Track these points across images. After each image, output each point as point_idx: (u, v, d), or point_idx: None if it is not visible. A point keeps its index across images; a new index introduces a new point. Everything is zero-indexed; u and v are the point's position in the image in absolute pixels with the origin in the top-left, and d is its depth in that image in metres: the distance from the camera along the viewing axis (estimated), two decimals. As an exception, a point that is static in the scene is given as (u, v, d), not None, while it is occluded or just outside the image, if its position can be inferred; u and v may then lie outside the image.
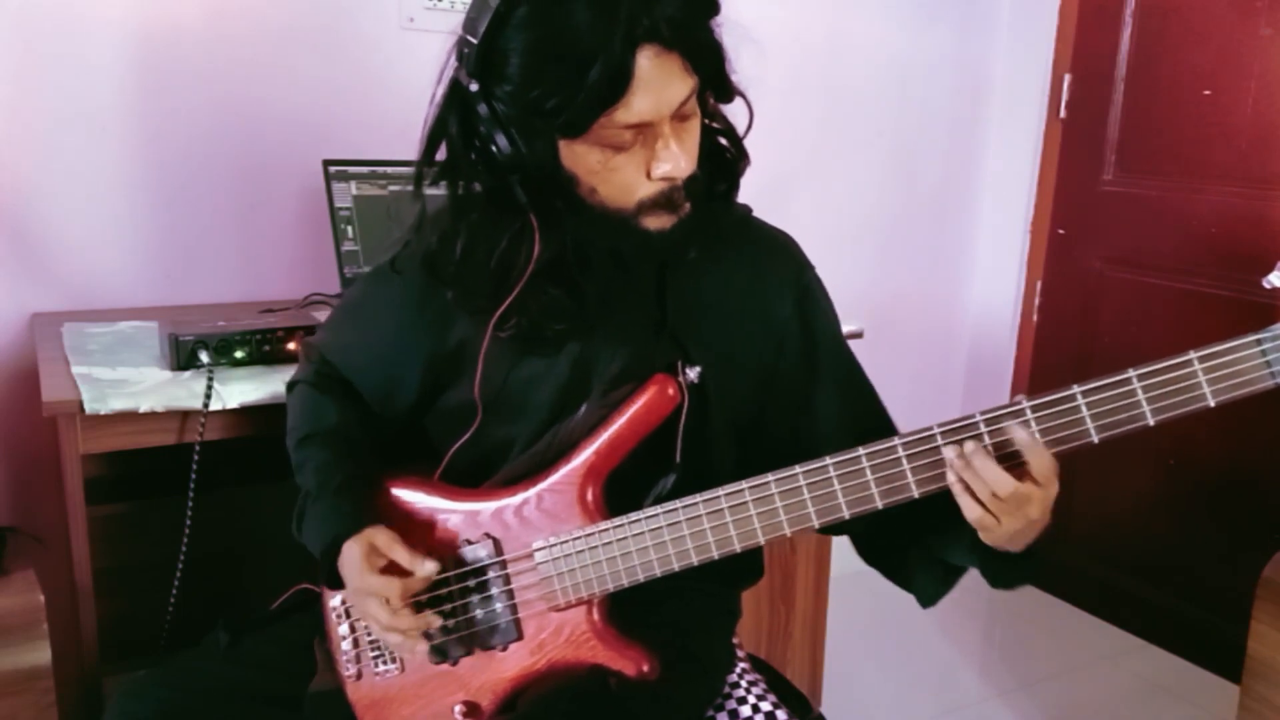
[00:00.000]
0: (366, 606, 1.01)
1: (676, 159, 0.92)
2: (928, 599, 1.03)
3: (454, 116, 0.96)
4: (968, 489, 0.86)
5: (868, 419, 1.07)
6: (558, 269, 1.00)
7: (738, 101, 1.01)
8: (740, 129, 1.04)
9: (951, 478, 0.86)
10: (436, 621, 1.03)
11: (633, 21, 0.85)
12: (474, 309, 1.04)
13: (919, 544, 1.00)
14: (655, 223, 0.96)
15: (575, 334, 1.03)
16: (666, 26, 0.87)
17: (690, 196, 0.97)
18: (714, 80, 0.97)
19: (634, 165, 0.93)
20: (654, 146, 0.92)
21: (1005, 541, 0.88)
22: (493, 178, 0.97)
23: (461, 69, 0.93)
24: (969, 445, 0.85)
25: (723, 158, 1.05)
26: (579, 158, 0.94)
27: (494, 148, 0.93)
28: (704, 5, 0.92)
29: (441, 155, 1.00)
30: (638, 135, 0.91)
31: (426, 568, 1.00)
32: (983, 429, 0.86)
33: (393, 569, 1.01)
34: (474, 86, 0.92)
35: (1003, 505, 0.85)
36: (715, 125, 1.03)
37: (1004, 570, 0.96)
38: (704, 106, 0.99)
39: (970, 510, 0.87)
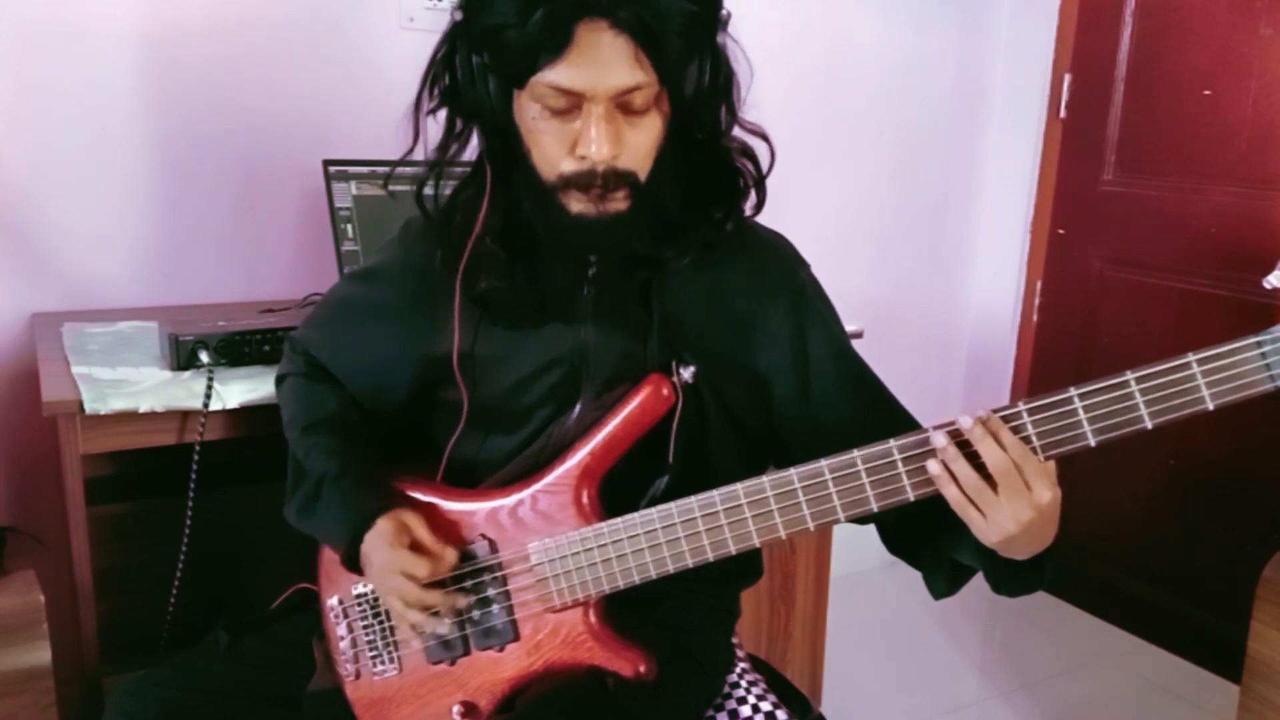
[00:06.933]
0: (392, 582, 1.01)
1: (598, 142, 0.91)
2: (938, 593, 1.03)
3: (445, 49, 0.97)
4: (952, 477, 0.85)
5: (876, 414, 1.05)
6: (505, 230, 1.01)
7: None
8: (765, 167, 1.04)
9: (935, 469, 0.85)
10: (463, 601, 1.03)
11: None
12: (449, 264, 1.04)
13: (933, 540, 1.00)
14: (576, 205, 0.95)
15: (532, 314, 1.03)
16: (625, 9, 0.86)
17: (629, 195, 0.95)
18: (694, 97, 0.95)
19: (563, 135, 0.93)
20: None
21: (1002, 545, 0.87)
22: (462, 117, 0.99)
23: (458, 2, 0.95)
24: (965, 421, 0.84)
25: (728, 186, 1.04)
26: (522, 110, 0.95)
27: (463, 84, 0.96)
28: (676, 12, 0.89)
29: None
30: (573, 104, 0.91)
31: (449, 555, 1.02)
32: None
33: (416, 549, 1.01)
34: (458, 16, 0.94)
35: (987, 496, 0.84)
36: (739, 161, 1.03)
37: (1006, 577, 0.95)
38: (713, 129, 0.99)
39: (952, 497, 0.86)
